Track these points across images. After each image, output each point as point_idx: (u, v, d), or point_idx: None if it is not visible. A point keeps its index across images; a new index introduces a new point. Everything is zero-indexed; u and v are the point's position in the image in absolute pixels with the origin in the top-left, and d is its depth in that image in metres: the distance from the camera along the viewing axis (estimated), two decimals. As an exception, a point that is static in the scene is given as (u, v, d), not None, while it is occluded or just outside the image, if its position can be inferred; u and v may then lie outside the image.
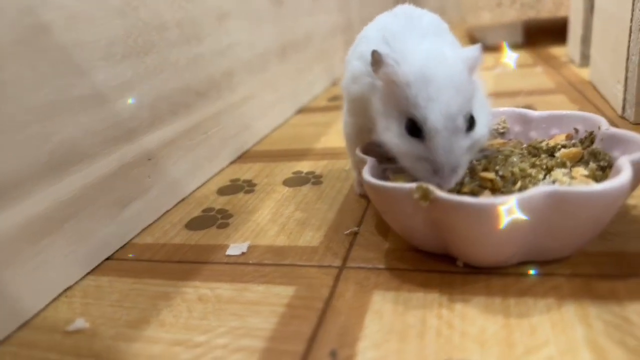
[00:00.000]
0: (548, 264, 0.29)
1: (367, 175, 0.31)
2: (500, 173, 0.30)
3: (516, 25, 1.05)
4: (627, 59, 0.50)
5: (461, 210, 0.26)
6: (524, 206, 0.25)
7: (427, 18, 0.34)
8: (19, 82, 0.31)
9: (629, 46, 0.49)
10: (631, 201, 0.35)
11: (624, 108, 0.52)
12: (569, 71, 0.78)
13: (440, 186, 0.27)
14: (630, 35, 0.49)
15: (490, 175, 0.30)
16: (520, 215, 0.25)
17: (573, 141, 0.35)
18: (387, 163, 0.35)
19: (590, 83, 0.68)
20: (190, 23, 0.49)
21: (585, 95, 0.63)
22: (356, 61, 0.35)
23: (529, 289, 0.27)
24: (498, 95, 0.69)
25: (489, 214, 0.25)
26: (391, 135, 0.29)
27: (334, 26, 0.98)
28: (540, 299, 0.27)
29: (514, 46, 1.06)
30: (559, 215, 0.26)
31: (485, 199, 0.25)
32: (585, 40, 0.74)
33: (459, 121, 0.27)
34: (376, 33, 0.34)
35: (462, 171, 0.28)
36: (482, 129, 0.30)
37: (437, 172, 0.27)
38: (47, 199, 0.32)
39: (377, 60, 0.29)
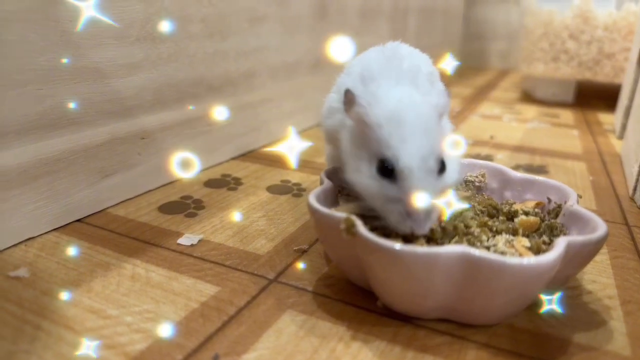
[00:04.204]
0: (467, 327, 0.28)
1: (311, 197, 0.31)
2: (442, 224, 0.30)
3: (569, 83, 1.00)
4: (648, 139, 0.47)
5: (375, 251, 0.26)
6: (433, 262, 0.24)
7: (409, 62, 0.33)
8: (23, 45, 0.34)
9: (651, 127, 0.47)
10: (589, 286, 0.33)
11: (635, 189, 0.49)
12: (606, 140, 0.74)
13: (413, 231, 0.27)
14: (655, 116, 0.46)
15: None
16: (432, 268, 0.25)
17: (536, 210, 0.33)
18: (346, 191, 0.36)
19: (620, 157, 0.64)
20: (216, 20, 0.51)
21: (608, 168, 0.60)
22: (334, 93, 0.35)
23: (434, 347, 0.27)
24: (518, 149, 0.67)
25: (402, 260, 0.25)
26: (361, 177, 0.29)
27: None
28: (438, 359, 0.26)
29: (563, 104, 1.01)
30: (470, 279, 0.25)
31: (399, 244, 0.25)
32: (628, 112, 0.70)
33: (431, 162, 0.27)
34: (358, 68, 0.34)
35: (435, 215, 0.27)
36: (453, 174, 0.29)
37: (410, 215, 0.27)
38: (26, 154, 0.35)
39: (349, 99, 0.30)
